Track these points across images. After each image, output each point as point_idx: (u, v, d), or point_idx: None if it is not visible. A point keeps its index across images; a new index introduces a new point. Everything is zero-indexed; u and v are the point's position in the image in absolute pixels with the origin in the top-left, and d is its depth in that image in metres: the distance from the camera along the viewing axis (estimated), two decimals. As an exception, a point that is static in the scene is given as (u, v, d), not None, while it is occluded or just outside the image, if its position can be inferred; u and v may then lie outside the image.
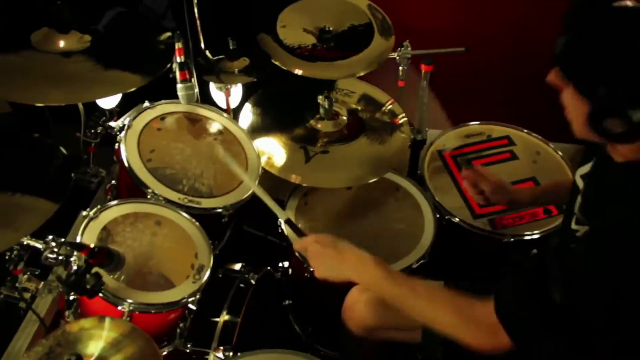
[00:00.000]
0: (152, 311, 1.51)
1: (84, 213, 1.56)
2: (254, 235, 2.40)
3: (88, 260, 1.35)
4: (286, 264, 2.05)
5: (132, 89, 1.64)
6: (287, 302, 2.14)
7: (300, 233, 1.49)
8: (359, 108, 2.16)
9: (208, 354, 1.64)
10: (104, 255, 1.39)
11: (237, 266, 1.93)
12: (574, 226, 1.24)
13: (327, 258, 1.36)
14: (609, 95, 1.00)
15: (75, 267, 1.40)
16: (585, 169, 1.27)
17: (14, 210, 1.40)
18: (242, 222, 2.36)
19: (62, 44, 1.68)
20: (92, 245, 1.35)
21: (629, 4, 1.01)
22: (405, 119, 2.13)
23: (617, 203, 1.09)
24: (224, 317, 1.75)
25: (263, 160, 1.92)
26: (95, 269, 1.38)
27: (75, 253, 1.40)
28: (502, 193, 1.69)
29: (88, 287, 1.36)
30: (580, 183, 1.27)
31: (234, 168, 1.64)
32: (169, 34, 1.80)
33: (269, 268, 1.97)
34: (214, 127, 1.93)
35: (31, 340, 1.80)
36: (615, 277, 1.04)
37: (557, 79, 1.10)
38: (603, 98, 1.01)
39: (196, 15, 2.03)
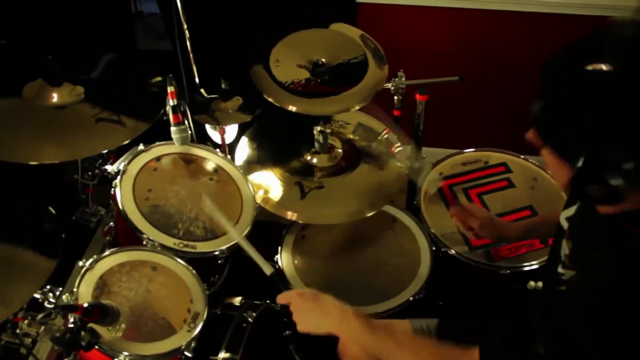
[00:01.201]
0: (149, 361, 1.53)
1: (80, 263, 1.59)
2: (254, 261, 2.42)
3: (82, 319, 1.37)
4: (286, 295, 2.07)
5: (129, 140, 1.66)
6: (287, 332, 2.16)
7: (286, 286, 1.51)
8: (355, 138, 2.17)
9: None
10: (98, 312, 1.41)
11: (237, 300, 1.95)
12: (560, 270, 1.25)
13: (309, 312, 1.36)
14: (587, 162, 0.99)
15: (70, 324, 1.42)
16: (570, 211, 1.28)
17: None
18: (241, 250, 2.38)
19: (55, 97, 1.70)
20: (85, 305, 1.37)
21: (603, 67, 0.99)
22: (401, 148, 2.13)
23: (600, 256, 1.09)
24: (223, 355, 1.77)
25: (259, 196, 1.94)
26: (90, 325, 1.41)
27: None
28: (491, 229, 1.69)
29: (83, 343, 1.38)
30: (565, 225, 1.28)
31: (220, 220, 1.66)
32: (160, 78, 1.82)
33: (268, 301, 1.99)
34: (209, 166, 1.94)
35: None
36: (598, 335, 1.04)
37: (536, 139, 1.09)
38: (581, 165, 1.00)
39: (189, 49, 2.05)
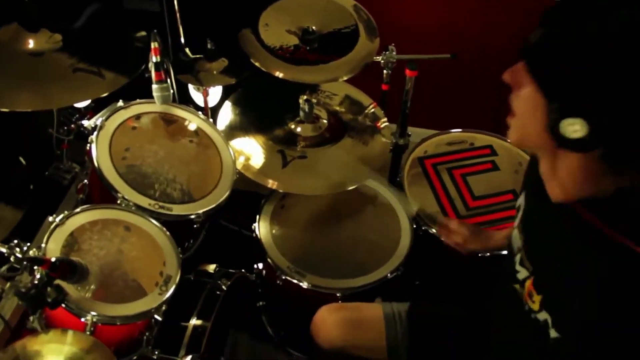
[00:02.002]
0: (117, 323, 1.49)
1: (50, 219, 1.53)
2: (231, 229, 2.39)
3: (49, 274, 1.32)
4: (260, 265, 2.03)
5: (107, 93, 1.59)
6: (260, 303, 2.13)
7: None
8: (341, 110, 2.12)
9: (176, 361, 1.64)
10: (66, 268, 1.36)
11: (211, 268, 1.91)
12: (517, 267, 1.21)
13: None
14: (577, 94, 0.91)
15: (36, 280, 1.36)
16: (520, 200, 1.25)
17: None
18: (218, 216, 2.35)
19: (31, 43, 1.63)
20: (53, 259, 1.31)
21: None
22: (387, 123, 2.09)
23: (555, 252, 1.07)
24: (194, 322, 1.74)
25: (239, 162, 1.89)
26: (57, 281, 1.35)
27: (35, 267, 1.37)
28: (476, 242, 1.66)
29: (49, 300, 1.33)
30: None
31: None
32: (144, 33, 1.75)
33: (243, 270, 1.95)
34: (190, 128, 1.88)
35: (-5, 342, 1.79)
36: None
37: (517, 76, 1.01)
38: (570, 96, 0.92)
39: (176, 9, 1.98)
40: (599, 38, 0.90)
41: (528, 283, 1.14)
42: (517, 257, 1.20)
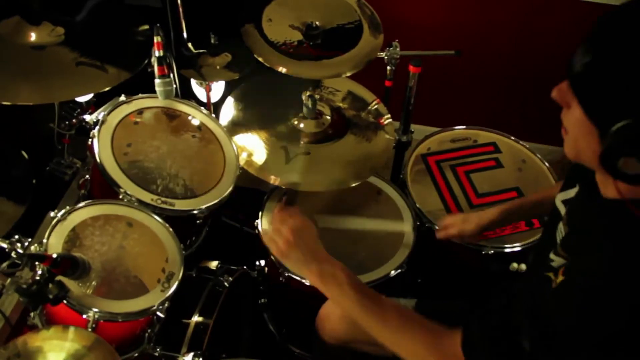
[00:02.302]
0: (119, 320, 1.47)
1: (52, 214, 1.51)
2: (233, 226, 2.38)
3: (51, 270, 1.30)
4: (262, 262, 2.02)
5: (109, 87, 1.57)
6: (262, 300, 2.12)
7: None
8: (344, 107, 2.11)
9: (177, 359, 1.62)
10: (67, 265, 1.34)
11: (213, 264, 1.90)
12: (552, 255, 1.20)
13: (301, 249, 1.33)
14: (624, 130, 0.88)
15: (37, 276, 1.35)
16: (569, 194, 1.22)
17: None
18: (220, 213, 2.34)
19: (33, 36, 1.61)
20: (54, 255, 1.30)
21: None
22: (391, 119, 2.08)
23: (598, 245, 1.02)
24: (196, 319, 1.73)
25: (242, 158, 1.88)
26: (58, 277, 1.34)
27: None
28: (469, 225, 1.67)
29: (50, 296, 1.32)
30: (562, 209, 1.22)
31: None
32: (147, 26, 1.73)
33: (245, 267, 1.94)
34: (193, 123, 1.87)
35: (-4, 338, 1.77)
36: (585, 333, 0.99)
37: (564, 96, 0.97)
38: (621, 134, 0.88)
39: (179, 3, 1.96)
40: None
41: (561, 271, 1.13)
42: (557, 248, 1.18)
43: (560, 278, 1.07)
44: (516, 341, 1.06)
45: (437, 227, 1.77)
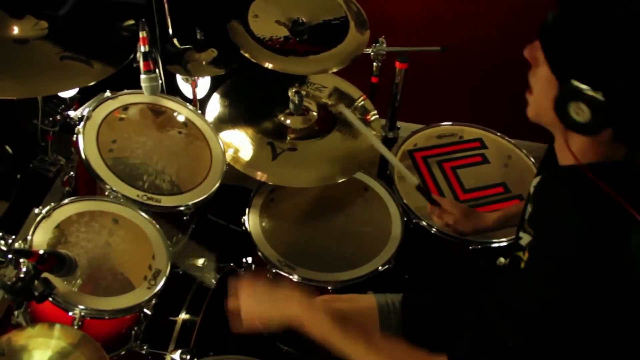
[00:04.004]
0: (106, 317, 1.46)
1: (36, 211, 1.49)
2: (219, 224, 2.37)
3: (37, 267, 1.28)
4: (250, 259, 2.01)
5: (94, 82, 1.55)
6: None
7: (431, 200, 1.63)
8: (330, 103, 2.10)
9: (165, 356, 1.61)
10: (54, 261, 1.32)
11: (200, 262, 1.89)
12: (520, 233, 1.22)
13: (267, 294, 1.26)
14: (584, 78, 0.95)
15: (22, 273, 1.32)
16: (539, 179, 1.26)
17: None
18: (206, 210, 2.32)
19: (15, 30, 1.58)
20: (41, 252, 1.28)
21: None
22: (377, 116, 2.08)
23: (559, 216, 1.06)
24: (183, 316, 1.72)
25: (228, 154, 1.86)
26: (44, 274, 1.32)
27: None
28: (467, 222, 1.66)
29: (36, 293, 1.30)
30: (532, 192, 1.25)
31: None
32: (132, 21, 1.71)
33: (232, 264, 1.93)
34: (179, 119, 1.85)
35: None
36: (555, 304, 1.01)
37: (534, 53, 1.05)
38: (577, 79, 0.95)
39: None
40: (606, 23, 0.93)
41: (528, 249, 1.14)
42: (524, 225, 1.20)
43: (527, 255, 1.10)
44: (502, 344, 1.06)
45: (432, 200, 1.71)
